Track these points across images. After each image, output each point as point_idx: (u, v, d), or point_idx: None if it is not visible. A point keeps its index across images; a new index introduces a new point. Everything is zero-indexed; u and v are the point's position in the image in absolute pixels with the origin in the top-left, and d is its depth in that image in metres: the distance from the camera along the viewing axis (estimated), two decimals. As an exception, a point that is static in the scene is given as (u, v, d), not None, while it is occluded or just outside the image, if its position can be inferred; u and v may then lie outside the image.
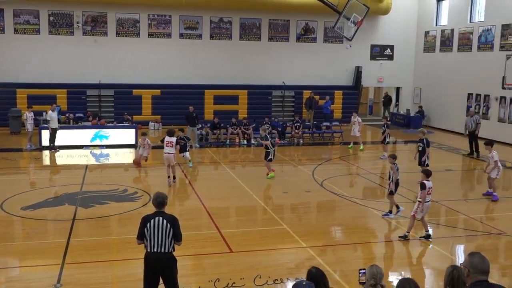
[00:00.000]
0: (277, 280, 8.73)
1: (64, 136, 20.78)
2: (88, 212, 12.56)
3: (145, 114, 26.94)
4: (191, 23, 28.25)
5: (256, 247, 10.45)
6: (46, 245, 10.36)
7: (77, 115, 24.75)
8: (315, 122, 26.04)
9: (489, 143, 14.65)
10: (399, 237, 10.95)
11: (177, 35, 28.08)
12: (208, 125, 23.72)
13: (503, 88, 22.54)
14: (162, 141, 15.46)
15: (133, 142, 21.43)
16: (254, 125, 23.52)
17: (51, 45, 26.50)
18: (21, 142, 21.80)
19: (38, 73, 26.09)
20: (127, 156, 20.17)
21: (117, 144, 21.37)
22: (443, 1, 29.02)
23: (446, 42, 28.49)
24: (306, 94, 28.23)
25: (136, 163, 17.41)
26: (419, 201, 10.84)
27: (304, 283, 4.85)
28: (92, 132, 21.57)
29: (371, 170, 18.17)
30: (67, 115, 24.34)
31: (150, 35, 27.75)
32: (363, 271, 5.44)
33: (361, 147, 21.81)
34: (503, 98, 24.23)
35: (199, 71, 28.09)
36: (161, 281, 7.12)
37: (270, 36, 29.35)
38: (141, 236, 7.07)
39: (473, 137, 20.72)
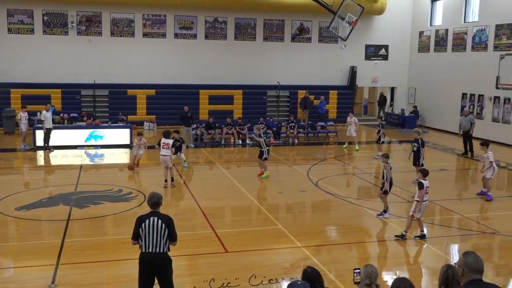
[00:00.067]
0: (272, 280, 8.73)
1: (59, 136, 20.72)
2: (82, 212, 12.52)
3: (139, 114, 26.89)
4: (186, 23, 28.22)
5: (251, 247, 10.45)
6: (40, 246, 10.32)
7: (71, 115, 24.66)
8: (310, 122, 26.07)
9: (485, 143, 14.70)
10: (396, 236, 10.97)
11: (172, 35, 28.04)
12: (203, 125, 23.70)
13: (497, 88, 22.66)
14: (159, 143, 15.21)
15: (127, 142, 21.38)
16: (249, 125, 23.52)
17: (46, 45, 26.42)
18: (15, 142, 21.72)
19: (32, 73, 26.01)
20: (122, 156, 20.13)
21: (112, 144, 21.32)
22: (438, 1, 29.12)
23: (440, 42, 28.58)
24: (301, 94, 28.26)
25: (131, 168, 17.28)
26: (417, 201, 10.85)
27: (299, 283, 4.85)
28: (86, 132, 21.51)
29: (366, 170, 18.20)
30: (61, 115, 24.26)
31: (145, 35, 27.71)
32: (358, 270, 5.44)
33: (357, 147, 21.85)
34: (497, 98, 24.32)
35: (194, 71, 28.06)
36: (156, 281, 7.11)
37: (265, 36, 29.36)
38: (136, 236, 7.06)
39: (467, 137, 20.80)
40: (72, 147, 20.82)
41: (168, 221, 7.07)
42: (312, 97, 27.99)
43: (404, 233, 10.91)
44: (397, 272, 9.37)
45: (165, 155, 14.85)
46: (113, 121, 24.71)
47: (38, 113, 22.35)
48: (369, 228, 12.11)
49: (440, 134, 26.90)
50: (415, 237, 11.03)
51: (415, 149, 15.82)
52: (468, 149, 20.82)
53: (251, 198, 14.26)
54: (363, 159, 20.45)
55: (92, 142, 21.30)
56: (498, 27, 24.27)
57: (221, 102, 27.68)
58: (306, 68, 29.58)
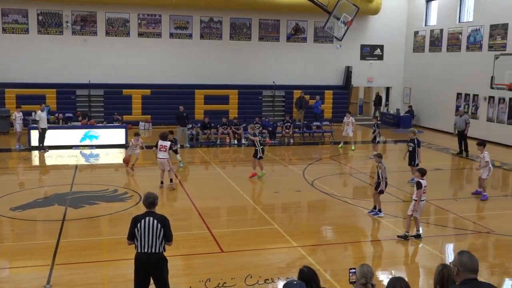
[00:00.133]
0: (268, 279, 8.74)
1: (54, 136, 20.65)
2: (78, 212, 12.49)
3: (135, 114, 26.84)
4: (181, 23, 28.19)
5: (247, 247, 10.46)
6: (35, 246, 10.30)
7: (66, 115, 24.58)
8: (305, 122, 26.10)
9: (482, 143, 14.74)
10: (398, 236, 10.93)
11: (167, 35, 28.01)
12: (199, 125, 23.69)
13: (492, 88, 22.73)
14: (156, 146, 14.97)
15: (123, 142, 21.35)
16: (244, 125, 23.51)
17: (40, 44, 26.34)
18: (9, 142, 21.64)
19: (27, 73, 25.93)
20: (117, 156, 20.07)
21: (107, 144, 21.28)
22: (432, 2, 29.20)
23: (435, 42, 28.66)
24: (297, 94, 28.27)
25: (126, 161, 17.18)
26: (415, 200, 10.87)
27: (295, 282, 4.86)
28: (81, 132, 21.46)
29: (362, 170, 18.24)
30: (56, 115, 24.16)
31: (140, 34, 27.66)
32: (354, 270, 5.45)
33: (352, 147, 21.88)
34: (491, 98, 24.41)
35: (190, 71, 28.04)
36: (151, 281, 7.11)
37: (261, 36, 29.37)
38: (131, 237, 7.05)
39: (462, 136, 20.86)
40: (67, 147, 20.76)
41: (163, 221, 7.06)
42: (307, 97, 28.00)
43: (406, 233, 10.89)
44: (393, 271, 9.39)
45: (162, 158, 14.69)
46: (108, 121, 24.66)
47: (33, 113, 22.29)
48: (365, 228, 12.14)
49: (435, 134, 26.97)
50: (410, 236, 11.05)
51: (410, 149, 15.83)
52: (463, 148, 20.89)
53: (247, 198, 14.26)
54: (359, 159, 20.49)
55: (87, 142, 21.25)
56: (493, 27, 24.36)
57: (216, 102, 27.67)
58: (301, 68, 29.61)
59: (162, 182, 14.90)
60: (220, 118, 24.10)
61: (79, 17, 26.81)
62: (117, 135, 21.78)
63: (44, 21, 26.42)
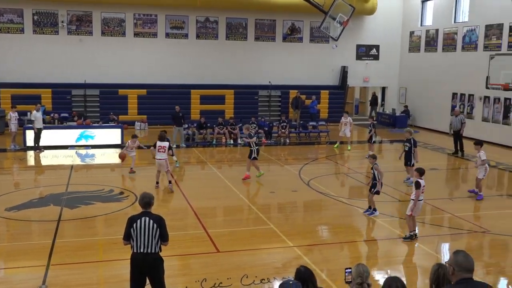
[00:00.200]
0: (264, 279, 8.74)
1: (49, 136, 20.61)
2: (73, 212, 12.46)
3: (131, 114, 26.80)
4: (177, 23, 28.16)
5: (243, 247, 10.45)
6: (31, 246, 10.27)
7: (62, 115, 24.53)
8: (301, 122, 26.12)
9: (479, 142, 14.79)
10: (404, 238, 10.88)
11: (163, 35, 27.98)
12: (195, 125, 23.66)
13: (487, 87, 22.75)
14: (154, 146, 14.81)
15: (119, 142, 21.32)
16: (240, 124, 23.49)
17: (36, 44, 26.26)
18: (5, 142, 21.56)
19: (22, 73, 25.84)
20: (113, 156, 20.03)
21: (103, 144, 21.25)
22: (428, 2, 29.26)
23: (430, 42, 28.74)
24: (293, 93, 28.29)
25: (122, 157, 17.00)
26: (413, 200, 10.88)
27: (291, 282, 4.86)
28: (77, 132, 21.41)
29: (357, 170, 18.27)
30: (52, 115, 24.10)
31: (136, 34, 27.62)
32: (349, 270, 5.46)
33: (349, 147, 21.90)
34: (487, 97, 24.50)
35: (185, 71, 28.01)
36: (147, 281, 7.10)
37: (257, 36, 29.37)
38: (127, 237, 7.04)
39: (458, 136, 20.92)
40: (63, 147, 20.71)
41: (159, 221, 7.05)
42: (303, 97, 28.04)
43: (411, 233, 10.86)
44: (389, 271, 9.41)
45: (160, 159, 14.56)
46: (104, 121, 24.60)
47: (28, 113, 22.21)
48: (360, 228, 12.16)
49: (430, 134, 27.04)
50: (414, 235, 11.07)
51: (406, 149, 15.84)
52: (459, 148, 20.95)
53: (243, 198, 14.26)
54: (355, 159, 20.51)
55: (83, 142, 21.21)
56: (488, 27, 24.44)
57: (212, 102, 27.65)
58: (297, 68, 29.63)
59: (157, 183, 14.85)
60: (216, 118, 24.08)
61: (74, 16, 26.74)
62: (113, 135, 21.74)
63: (40, 20, 26.35)
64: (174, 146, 17.63)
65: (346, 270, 5.48)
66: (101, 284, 8.66)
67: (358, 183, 16.59)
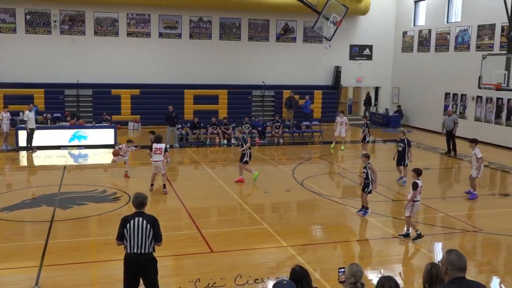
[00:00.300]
0: (257, 279, 8.74)
1: (42, 137, 20.50)
2: (66, 213, 12.41)
3: (124, 114, 26.72)
4: (170, 23, 28.11)
5: (236, 247, 10.45)
6: (23, 247, 10.23)
7: (55, 115, 24.41)
8: (295, 122, 26.14)
9: (474, 140, 14.85)
10: (412, 240, 10.86)
11: (157, 35, 27.92)
12: (188, 125, 23.63)
13: (479, 87, 22.83)
14: (151, 149, 14.61)
15: (112, 142, 21.25)
16: (234, 124, 23.50)
17: (28, 44, 26.13)
18: (-3, 143, 21.44)
19: (15, 73, 25.68)
20: (106, 157, 19.96)
21: (96, 145, 21.17)
22: (421, 2, 29.37)
23: (423, 42, 28.84)
24: (286, 93, 28.32)
25: (115, 154, 16.78)
26: (410, 200, 10.87)
27: (284, 282, 4.86)
28: (70, 132, 21.32)
29: (351, 169, 18.30)
30: (44, 115, 23.97)
31: (129, 34, 27.54)
32: (343, 269, 5.47)
33: (342, 147, 21.94)
34: (479, 97, 24.62)
35: (179, 71, 27.97)
36: (141, 282, 7.08)
37: (250, 35, 29.37)
38: (120, 237, 7.01)
39: (450, 136, 21.01)
40: (56, 147, 20.62)
41: (153, 222, 7.03)
42: (297, 97, 28.07)
43: (417, 233, 10.88)
44: (382, 270, 9.43)
45: (157, 161, 14.37)
46: (97, 121, 24.52)
47: (21, 113, 22.10)
48: (354, 227, 12.19)
49: (423, 133, 27.14)
50: (399, 235, 11.12)
51: (400, 149, 15.87)
52: (451, 148, 21.04)
53: (237, 198, 14.25)
54: (348, 159, 20.55)
55: (76, 142, 21.13)
56: (480, 27, 24.56)
57: (206, 102, 27.62)
58: (291, 68, 29.65)
59: (152, 185, 14.62)
60: (210, 118, 24.06)
61: (67, 16, 26.63)
62: (106, 135, 21.67)
63: (32, 20, 26.22)
64: (168, 146, 17.52)
65: (340, 270, 5.49)
66: (94, 284, 8.63)
67: (351, 183, 16.62)
